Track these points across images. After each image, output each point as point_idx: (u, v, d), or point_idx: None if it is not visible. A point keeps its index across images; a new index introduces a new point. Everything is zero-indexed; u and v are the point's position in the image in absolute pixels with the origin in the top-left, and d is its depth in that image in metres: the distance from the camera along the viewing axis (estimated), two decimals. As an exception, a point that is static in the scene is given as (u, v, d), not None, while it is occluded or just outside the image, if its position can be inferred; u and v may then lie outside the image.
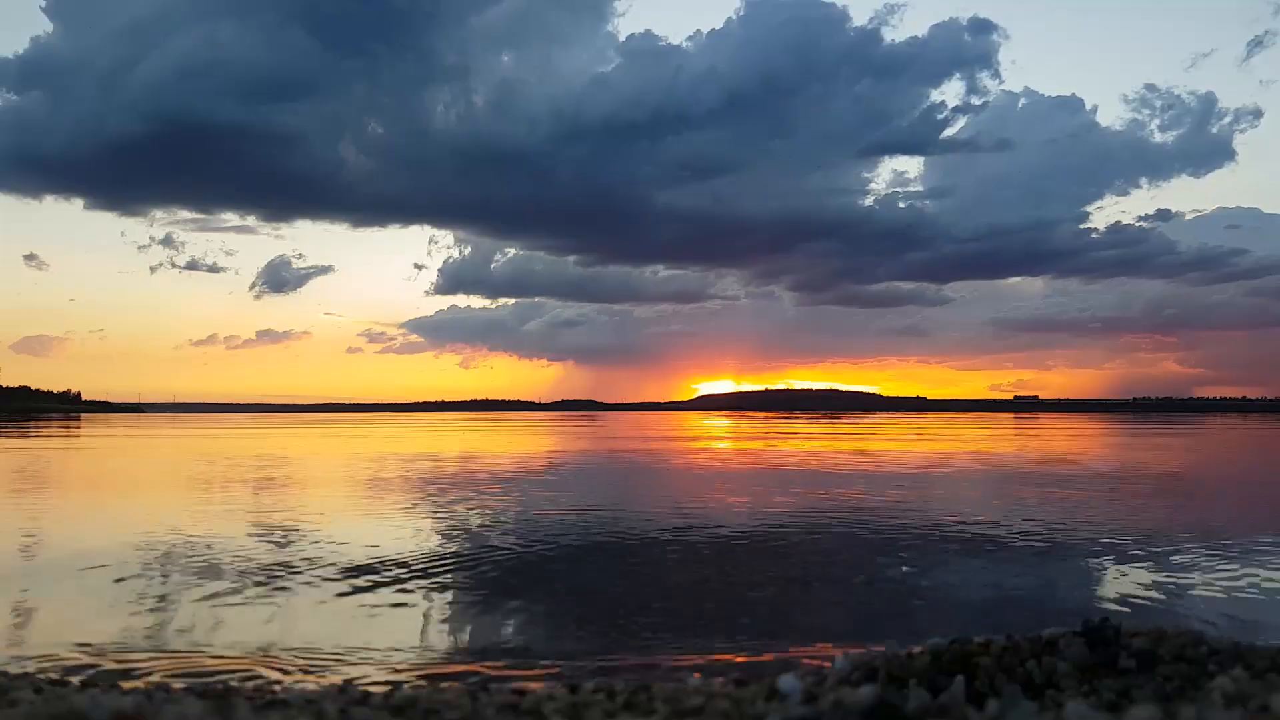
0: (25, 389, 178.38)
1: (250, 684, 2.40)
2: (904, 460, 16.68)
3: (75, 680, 2.69)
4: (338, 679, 3.16)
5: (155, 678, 2.98)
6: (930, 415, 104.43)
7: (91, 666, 3.36)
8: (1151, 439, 27.58)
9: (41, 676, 2.75)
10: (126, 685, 2.56)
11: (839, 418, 70.36)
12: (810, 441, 24.78)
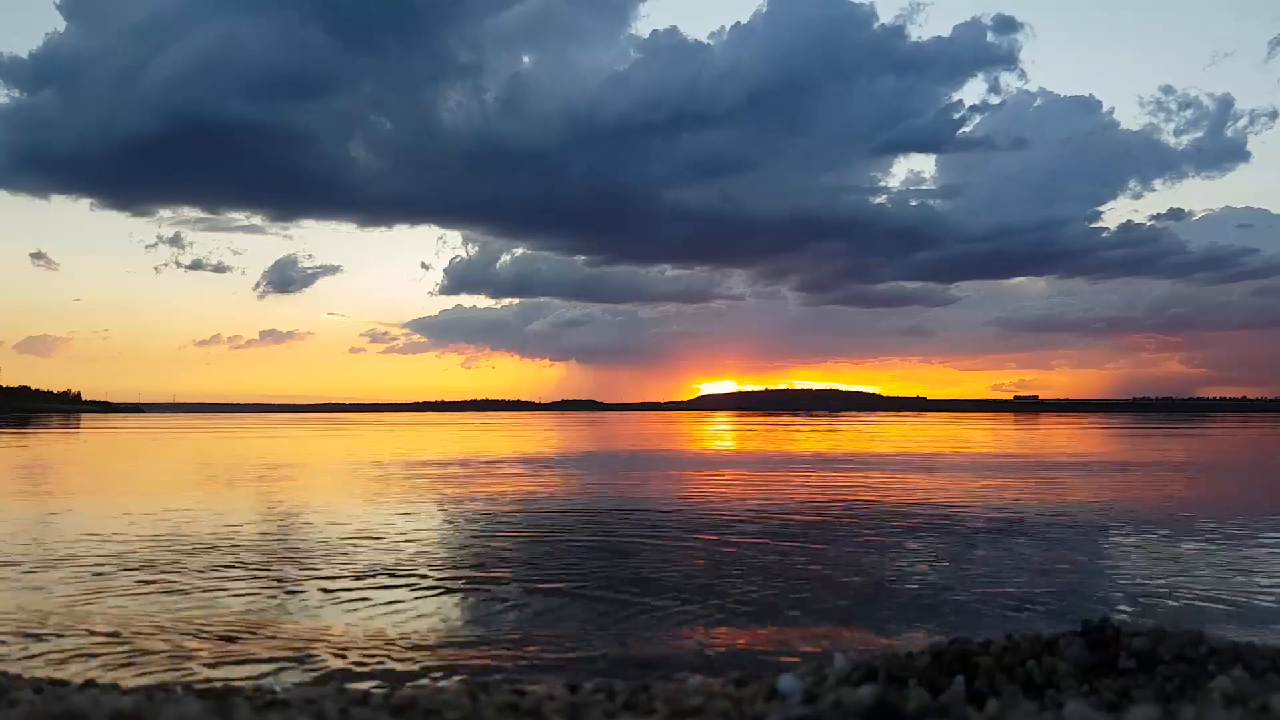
0: (25, 389, 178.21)
1: (250, 684, 2.40)
2: (897, 459, 16.69)
3: (75, 680, 2.69)
4: (337, 679, 3.16)
5: (155, 677, 2.98)
6: (928, 415, 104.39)
7: (92, 667, 3.36)
8: (1132, 442, 27.60)
9: (42, 676, 2.75)
10: (126, 685, 2.56)
11: (838, 417, 70.33)
12: (804, 444, 24.81)
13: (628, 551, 6.30)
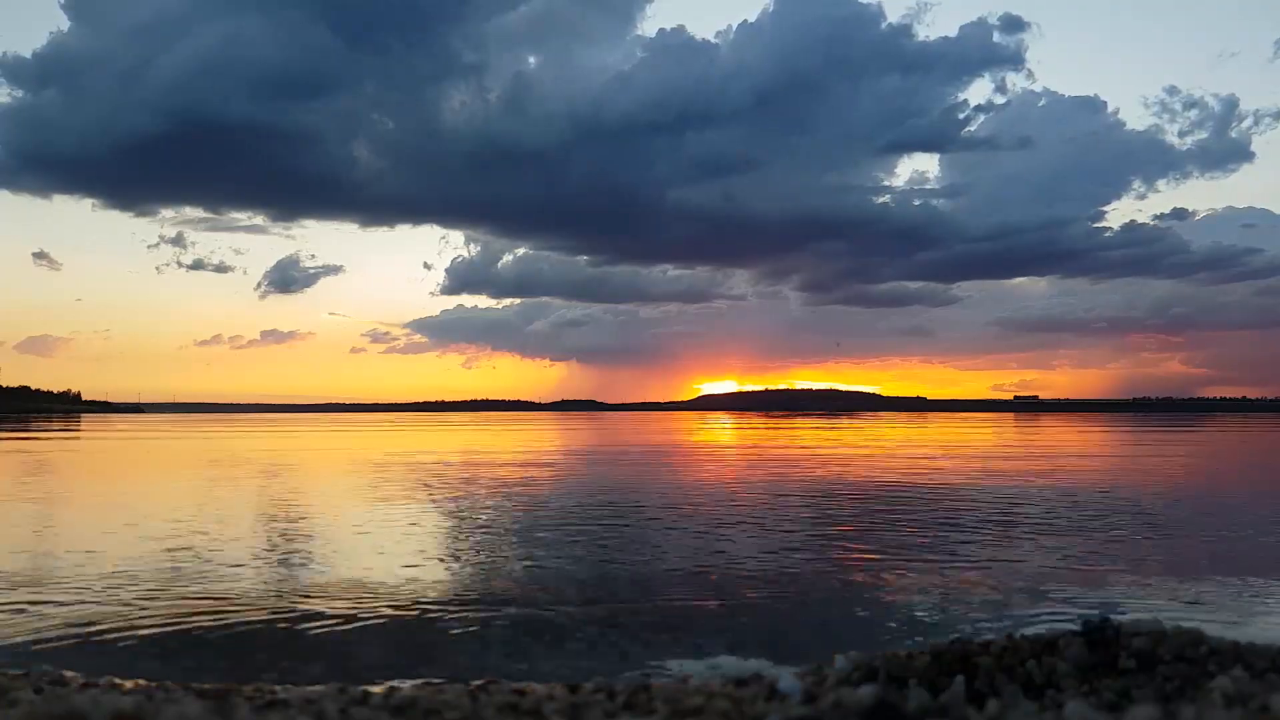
0: (25, 389, 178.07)
1: (250, 684, 2.40)
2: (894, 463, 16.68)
3: (75, 680, 2.69)
4: (337, 679, 3.16)
5: (155, 678, 2.98)
6: (929, 415, 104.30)
7: (92, 667, 3.36)
8: (1133, 443, 27.58)
9: (42, 676, 2.75)
10: (126, 685, 2.56)
11: (838, 418, 70.31)
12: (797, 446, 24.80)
13: (628, 554, 6.30)
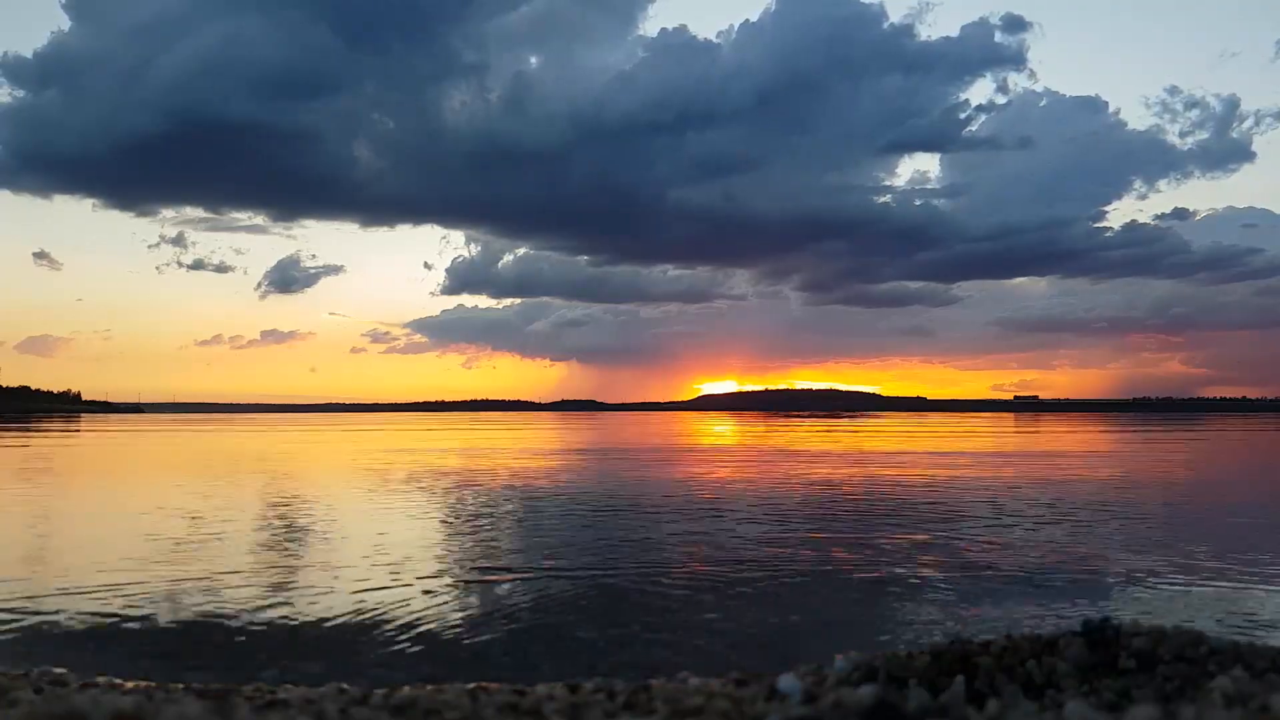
0: (25, 389, 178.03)
1: (250, 684, 2.40)
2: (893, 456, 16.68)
3: (75, 680, 2.69)
4: (337, 679, 3.16)
5: (155, 678, 2.98)
6: (929, 415, 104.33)
7: (92, 666, 3.36)
8: (1134, 443, 27.57)
9: (42, 676, 2.75)
10: (126, 685, 2.56)
11: (839, 416, 70.34)
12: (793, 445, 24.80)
13: (627, 553, 6.30)
